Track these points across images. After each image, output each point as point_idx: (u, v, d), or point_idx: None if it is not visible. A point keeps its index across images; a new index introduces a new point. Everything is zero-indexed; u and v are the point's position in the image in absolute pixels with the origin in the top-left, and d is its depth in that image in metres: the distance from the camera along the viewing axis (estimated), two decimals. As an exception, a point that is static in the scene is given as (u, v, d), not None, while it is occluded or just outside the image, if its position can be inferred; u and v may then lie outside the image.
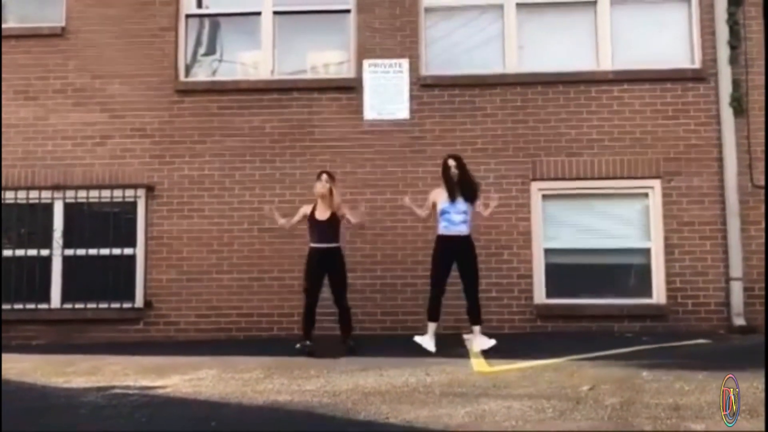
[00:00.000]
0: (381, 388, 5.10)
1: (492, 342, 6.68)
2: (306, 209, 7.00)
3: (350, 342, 6.85)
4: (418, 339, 6.80)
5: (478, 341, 6.71)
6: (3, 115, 8.43)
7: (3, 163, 8.36)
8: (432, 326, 6.80)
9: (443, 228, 6.75)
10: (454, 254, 6.73)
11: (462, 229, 6.71)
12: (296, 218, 7.06)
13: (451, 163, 6.84)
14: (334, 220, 6.87)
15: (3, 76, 8.46)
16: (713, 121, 8.07)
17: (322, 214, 6.87)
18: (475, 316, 6.77)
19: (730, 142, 7.96)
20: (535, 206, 8.13)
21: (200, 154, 8.35)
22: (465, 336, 7.33)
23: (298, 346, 6.79)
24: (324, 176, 6.97)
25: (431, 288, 6.83)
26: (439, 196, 6.85)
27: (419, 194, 8.08)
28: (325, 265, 6.83)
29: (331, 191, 6.88)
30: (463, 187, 6.79)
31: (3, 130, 8.41)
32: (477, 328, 6.77)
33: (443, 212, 6.75)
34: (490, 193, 7.18)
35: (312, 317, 6.87)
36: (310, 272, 6.84)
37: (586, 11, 8.41)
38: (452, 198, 6.74)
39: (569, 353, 6.27)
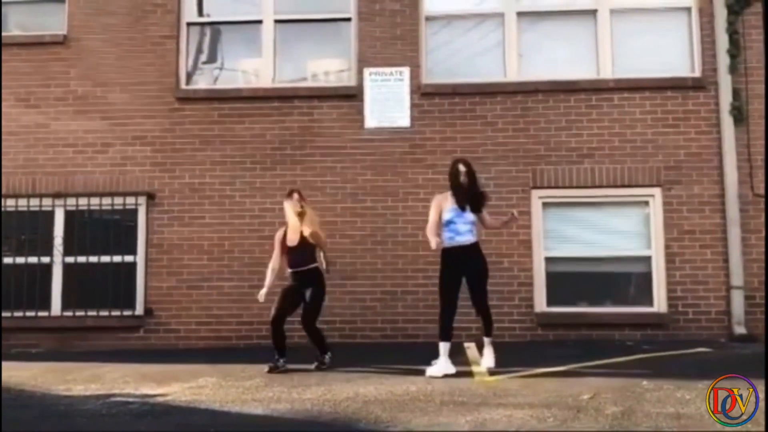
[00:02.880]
0: (381, 396, 5.09)
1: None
2: (279, 234, 6.53)
3: (324, 359, 6.42)
4: (431, 371, 5.87)
5: (489, 355, 6.15)
6: (4, 123, 8.45)
7: (4, 170, 8.38)
8: (444, 347, 5.93)
9: (448, 240, 6.03)
10: (462, 266, 6.02)
11: (468, 239, 6.03)
12: (276, 253, 6.52)
13: (462, 168, 6.13)
14: (305, 241, 6.35)
15: (5, 83, 8.48)
16: (713, 129, 8.08)
17: (292, 238, 6.39)
18: (486, 325, 6.14)
19: (730, 151, 7.96)
20: (536, 214, 8.13)
21: (201, 161, 8.36)
22: (466, 344, 7.33)
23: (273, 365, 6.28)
24: (295, 196, 6.48)
25: (441, 307, 6.05)
26: (445, 203, 6.11)
27: (419, 202, 8.11)
28: (302, 288, 6.39)
29: (302, 214, 6.38)
30: (471, 197, 6.11)
31: (4, 137, 8.42)
32: (487, 340, 6.17)
33: (449, 222, 6.04)
34: (512, 212, 6.41)
35: (281, 333, 6.37)
36: (284, 297, 6.37)
37: (586, 20, 8.44)
38: (461, 207, 6.05)
39: (570, 362, 6.25)
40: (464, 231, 6.06)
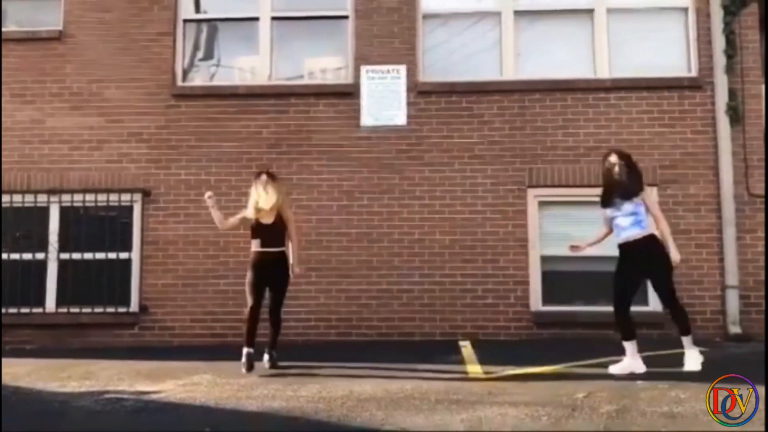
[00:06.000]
0: (376, 394, 5.09)
1: (699, 359, 5.70)
2: (250, 213, 6.45)
3: (273, 353, 6.32)
4: (615, 369, 5.73)
5: (690, 357, 5.73)
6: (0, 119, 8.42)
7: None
8: (629, 345, 5.75)
9: (615, 236, 5.85)
10: (633, 261, 5.75)
11: (634, 232, 5.73)
12: (235, 219, 6.54)
13: (613, 160, 5.91)
14: (280, 223, 6.37)
15: (1, 79, 8.45)
16: (710, 129, 8.09)
17: (267, 216, 6.34)
18: (679, 324, 5.76)
19: (726, 151, 7.98)
20: (532, 213, 8.13)
21: (197, 158, 8.34)
22: (461, 343, 7.34)
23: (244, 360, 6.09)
24: (263, 176, 6.42)
25: (614, 305, 5.85)
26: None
27: (416, 200, 8.12)
28: (270, 271, 6.30)
29: (274, 191, 6.35)
30: (621, 187, 5.81)
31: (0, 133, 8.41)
32: (685, 339, 5.76)
33: (612, 218, 5.87)
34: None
35: (256, 325, 6.22)
36: (254, 281, 6.27)
37: (583, 19, 8.44)
38: (606, 203, 5.89)
39: (565, 360, 6.26)
40: (626, 225, 5.78)
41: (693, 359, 5.72)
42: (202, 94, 8.50)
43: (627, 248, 5.79)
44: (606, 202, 5.91)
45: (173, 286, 8.18)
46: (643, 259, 5.72)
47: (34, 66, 8.55)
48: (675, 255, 5.76)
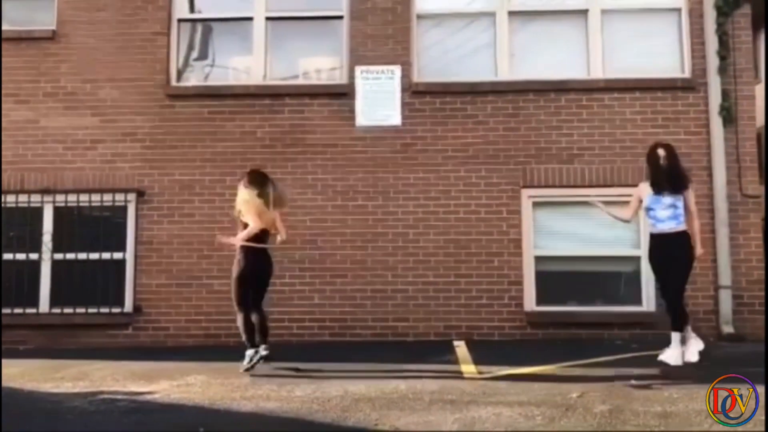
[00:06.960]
0: (371, 394, 5.09)
1: (677, 357, 5.97)
2: None
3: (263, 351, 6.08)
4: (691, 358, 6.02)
5: (669, 349, 6.05)
6: (-7, 119, 8.40)
7: (-8, 166, 8.32)
8: (687, 333, 6.11)
9: (650, 226, 6.21)
10: (664, 253, 6.07)
11: (669, 226, 6.02)
12: None
13: (661, 152, 6.12)
14: (243, 226, 6.35)
15: (1, 80, 8.43)
16: (703, 130, 8.12)
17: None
18: (671, 320, 6.06)
19: (719, 152, 8.01)
20: (526, 213, 8.14)
21: (191, 159, 8.33)
22: (455, 343, 7.36)
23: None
24: (246, 177, 6.43)
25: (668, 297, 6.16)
26: (644, 191, 6.19)
27: (410, 200, 8.12)
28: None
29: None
30: (670, 178, 6.06)
31: (-7, 133, 8.37)
32: (673, 335, 6.04)
33: (648, 209, 6.14)
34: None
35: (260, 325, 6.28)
36: None
37: (577, 20, 8.46)
38: (657, 191, 6.07)
39: (559, 360, 6.28)
40: (664, 218, 6.05)
41: (669, 353, 6.01)
42: (196, 94, 8.49)
43: (660, 240, 6.08)
44: (654, 192, 6.12)
45: (167, 286, 8.17)
46: (670, 251, 6.01)
47: (28, 66, 8.52)
48: (698, 250, 6.17)
